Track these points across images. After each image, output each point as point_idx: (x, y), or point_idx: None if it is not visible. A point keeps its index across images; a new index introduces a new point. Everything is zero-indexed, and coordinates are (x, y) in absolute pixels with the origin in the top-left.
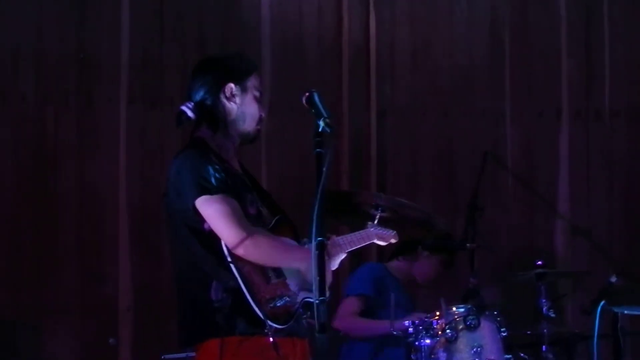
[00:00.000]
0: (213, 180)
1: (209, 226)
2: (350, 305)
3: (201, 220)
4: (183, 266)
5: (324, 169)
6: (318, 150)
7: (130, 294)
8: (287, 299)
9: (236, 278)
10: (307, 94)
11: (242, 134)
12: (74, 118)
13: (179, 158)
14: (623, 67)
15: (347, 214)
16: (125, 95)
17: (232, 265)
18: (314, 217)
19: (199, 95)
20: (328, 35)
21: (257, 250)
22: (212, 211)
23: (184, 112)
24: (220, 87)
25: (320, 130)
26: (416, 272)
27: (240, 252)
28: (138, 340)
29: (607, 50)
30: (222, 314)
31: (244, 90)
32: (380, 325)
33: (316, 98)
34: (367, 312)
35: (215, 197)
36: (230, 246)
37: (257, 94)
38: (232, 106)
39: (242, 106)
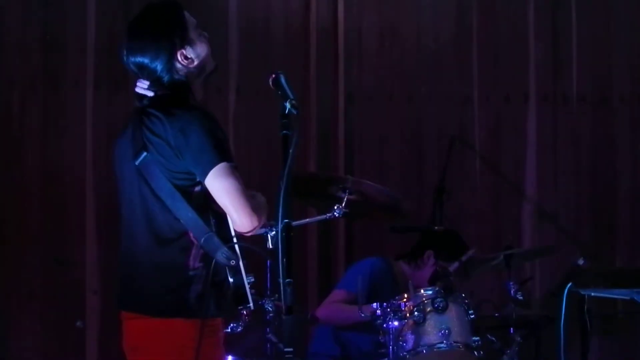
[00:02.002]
0: (227, 146)
1: (200, 190)
2: (335, 296)
3: (193, 183)
4: (159, 228)
5: (291, 150)
6: (284, 132)
7: (97, 278)
8: (252, 278)
9: (239, 258)
10: (273, 75)
11: (207, 75)
12: (39, 101)
13: (182, 117)
14: (590, 52)
15: (314, 196)
16: (91, 78)
17: (236, 246)
18: (281, 199)
19: (153, 75)
20: (295, 19)
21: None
22: (229, 182)
23: (144, 96)
24: (173, 58)
25: (286, 112)
26: (420, 278)
27: (247, 235)
28: (105, 324)
29: (574, 34)
30: (195, 288)
31: (192, 43)
32: (354, 311)
33: (282, 80)
34: None
35: (233, 165)
36: (241, 228)
37: (198, 30)
38: (191, 65)
39: (198, 56)
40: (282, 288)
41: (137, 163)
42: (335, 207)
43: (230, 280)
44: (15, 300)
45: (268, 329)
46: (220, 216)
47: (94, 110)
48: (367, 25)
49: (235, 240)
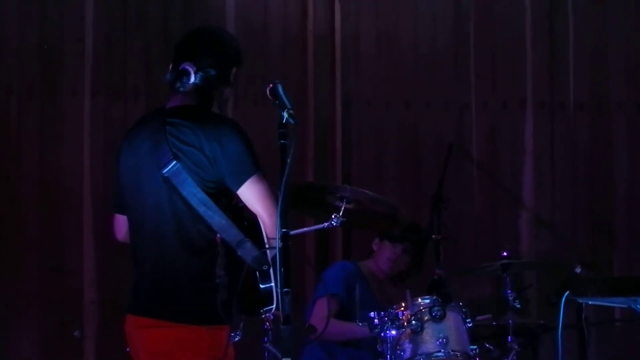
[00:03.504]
0: (257, 156)
1: (227, 197)
2: (321, 307)
3: (221, 190)
4: (191, 237)
5: (288, 160)
6: (282, 141)
7: (95, 287)
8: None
9: (270, 263)
10: (270, 85)
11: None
12: (37, 109)
13: (217, 126)
14: (587, 59)
15: (312, 205)
16: (89, 86)
17: (268, 252)
18: (278, 209)
19: (206, 64)
20: (293, 26)
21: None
22: (263, 189)
23: (188, 75)
24: (230, 68)
25: (284, 121)
26: (380, 263)
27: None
28: (103, 334)
29: (571, 42)
30: (221, 296)
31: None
32: (357, 329)
33: (280, 89)
34: (341, 312)
35: (263, 174)
36: (273, 233)
37: None
38: (226, 87)
39: (230, 85)
40: (280, 297)
41: (164, 172)
42: (333, 216)
43: (260, 283)
44: (13, 308)
45: (266, 338)
46: (252, 221)
47: (91, 118)
48: (364, 31)
49: (267, 245)
